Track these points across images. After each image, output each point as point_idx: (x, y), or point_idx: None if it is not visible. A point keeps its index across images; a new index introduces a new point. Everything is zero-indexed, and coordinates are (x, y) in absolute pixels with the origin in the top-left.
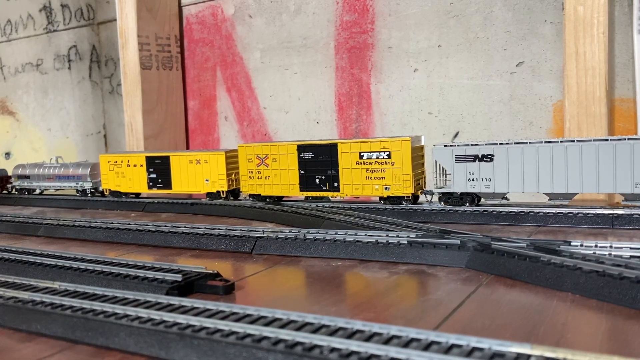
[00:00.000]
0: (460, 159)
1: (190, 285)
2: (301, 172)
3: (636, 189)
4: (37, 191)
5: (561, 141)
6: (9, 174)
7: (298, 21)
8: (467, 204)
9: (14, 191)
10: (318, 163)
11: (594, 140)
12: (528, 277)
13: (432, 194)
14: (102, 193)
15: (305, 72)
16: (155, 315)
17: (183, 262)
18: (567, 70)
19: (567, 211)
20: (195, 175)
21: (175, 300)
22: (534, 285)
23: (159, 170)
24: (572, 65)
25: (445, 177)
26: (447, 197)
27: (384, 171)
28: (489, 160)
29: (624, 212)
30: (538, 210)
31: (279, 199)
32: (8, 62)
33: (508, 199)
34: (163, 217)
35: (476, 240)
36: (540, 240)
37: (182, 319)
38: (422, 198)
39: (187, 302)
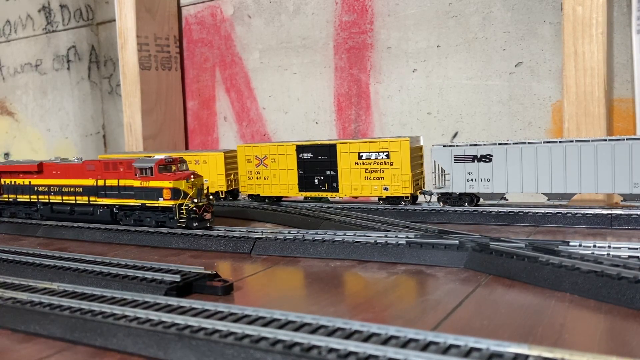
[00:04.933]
0: (459, 159)
1: (188, 285)
2: (300, 172)
3: (635, 189)
4: None
5: (560, 141)
6: None
7: (297, 21)
8: (466, 204)
9: None
10: (317, 163)
11: (593, 140)
12: (526, 277)
13: (431, 194)
14: None
15: (305, 72)
16: (154, 315)
17: (182, 262)
18: (566, 70)
19: (565, 211)
20: None
21: (174, 301)
22: (533, 285)
23: None
24: (571, 65)
25: (444, 177)
26: (445, 198)
27: (383, 171)
28: (487, 160)
29: (622, 212)
30: (537, 211)
31: (278, 200)
32: (7, 63)
33: (507, 199)
34: None
35: (475, 240)
36: (539, 240)
37: (180, 319)
38: (421, 198)
39: (185, 302)
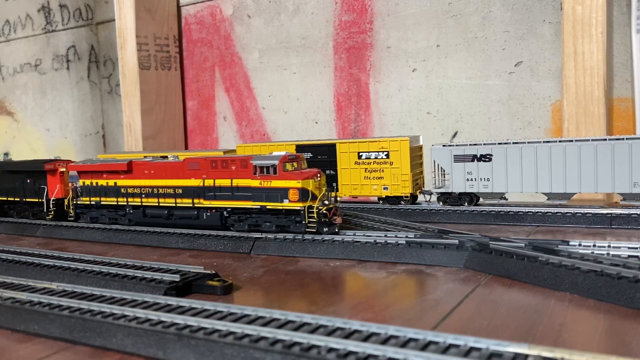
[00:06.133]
0: (458, 158)
1: (188, 285)
2: None
3: (634, 189)
4: None
5: (559, 141)
6: None
7: (297, 21)
8: (466, 203)
9: None
10: (317, 163)
11: (592, 140)
12: (526, 277)
13: (430, 194)
14: None
15: (304, 72)
16: (153, 315)
17: (181, 262)
18: (565, 70)
19: (565, 211)
20: None
21: (173, 301)
22: (532, 285)
23: None
24: (570, 65)
25: (444, 177)
26: (445, 197)
27: (383, 171)
28: (487, 160)
29: (622, 212)
30: (536, 210)
31: None
32: (6, 63)
33: (507, 199)
34: None
35: (474, 240)
36: (539, 240)
37: (180, 319)
38: (420, 198)
39: (185, 302)
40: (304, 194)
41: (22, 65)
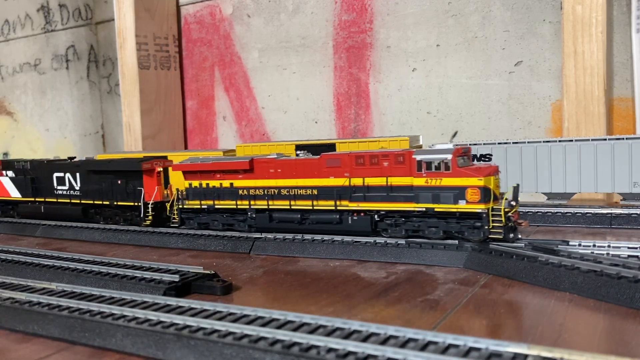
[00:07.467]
0: None
1: (187, 285)
2: None
3: (634, 189)
4: None
5: (559, 141)
6: None
7: (296, 21)
8: None
9: None
10: None
11: (592, 139)
12: (526, 277)
13: None
14: None
15: (304, 71)
16: (153, 315)
17: (181, 262)
18: (565, 69)
19: (565, 211)
20: None
21: (173, 301)
22: (532, 285)
23: None
24: (570, 64)
25: None
26: None
27: None
28: (487, 159)
29: (622, 212)
30: (536, 210)
31: None
32: (6, 62)
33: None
34: None
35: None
36: (539, 240)
37: (179, 319)
38: None
39: (184, 302)
40: (486, 194)
41: (22, 65)
